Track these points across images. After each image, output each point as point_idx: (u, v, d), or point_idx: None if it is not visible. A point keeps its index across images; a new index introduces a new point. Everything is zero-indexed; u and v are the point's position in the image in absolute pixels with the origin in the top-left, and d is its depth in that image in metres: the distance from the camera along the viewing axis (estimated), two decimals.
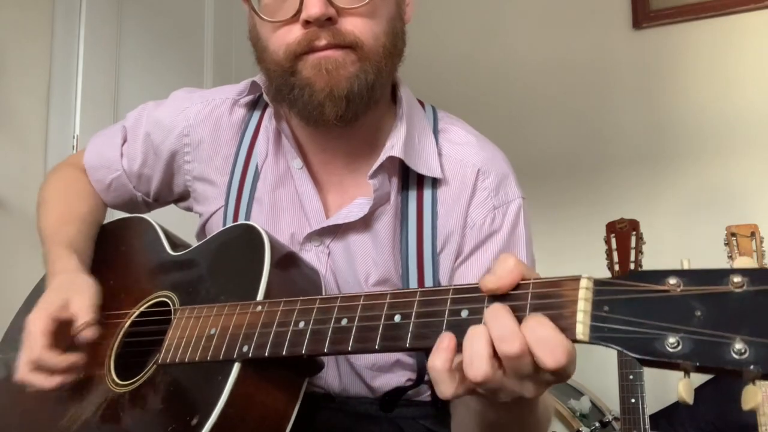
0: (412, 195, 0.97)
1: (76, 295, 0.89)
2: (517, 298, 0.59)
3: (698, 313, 0.49)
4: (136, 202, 1.16)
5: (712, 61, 2.46)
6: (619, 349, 0.51)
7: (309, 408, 0.94)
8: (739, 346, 0.47)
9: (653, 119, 2.51)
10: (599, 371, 2.16)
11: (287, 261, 0.87)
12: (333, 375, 0.98)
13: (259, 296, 0.78)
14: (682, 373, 0.51)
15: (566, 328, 0.55)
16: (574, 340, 0.55)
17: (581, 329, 0.54)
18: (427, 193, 0.97)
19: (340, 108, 0.87)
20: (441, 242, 0.96)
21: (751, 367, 0.46)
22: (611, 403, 2.01)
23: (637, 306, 0.52)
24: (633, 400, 1.76)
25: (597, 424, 1.96)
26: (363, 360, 0.97)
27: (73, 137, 1.94)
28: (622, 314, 0.52)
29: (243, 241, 0.88)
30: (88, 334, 0.87)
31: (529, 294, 0.58)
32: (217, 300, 0.82)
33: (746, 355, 0.47)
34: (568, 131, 2.61)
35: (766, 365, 0.46)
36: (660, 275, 0.52)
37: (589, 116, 2.59)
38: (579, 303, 0.55)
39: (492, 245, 0.96)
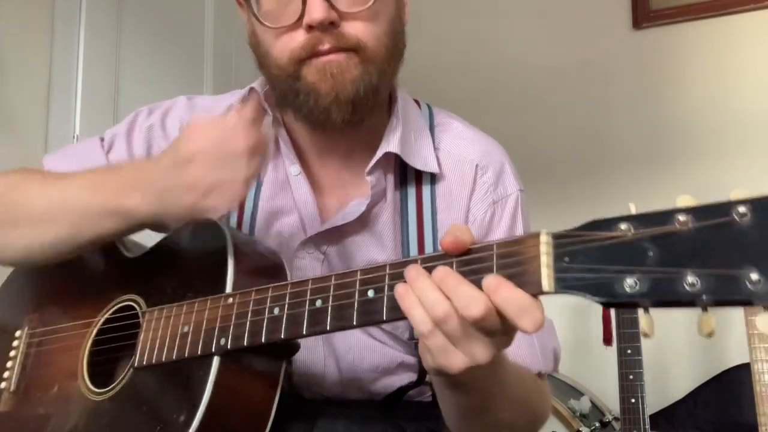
0: (411, 191, 0.98)
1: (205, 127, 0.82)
2: (483, 259, 0.61)
3: (650, 254, 0.52)
4: None
5: (711, 61, 2.44)
6: (583, 295, 0.54)
7: (310, 414, 0.94)
8: (690, 279, 0.50)
9: (653, 119, 2.50)
10: (599, 371, 2.15)
11: (249, 249, 0.86)
12: (334, 380, 0.97)
13: (228, 288, 0.78)
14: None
15: (533, 282, 0.57)
16: (542, 293, 0.57)
17: (547, 282, 0.56)
18: (426, 189, 0.97)
19: (346, 112, 0.87)
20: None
21: (703, 296, 0.50)
22: (611, 403, 2.00)
23: (594, 253, 0.55)
24: (633, 400, 1.76)
25: (597, 424, 1.94)
26: (366, 363, 0.96)
27: (73, 137, 1.93)
28: (581, 263, 0.55)
29: (201, 235, 0.87)
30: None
31: (494, 254, 0.60)
32: (185, 298, 0.82)
33: (698, 286, 0.50)
34: (568, 131, 2.60)
35: (717, 294, 0.49)
36: (611, 222, 0.55)
37: (589, 116, 2.57)
38: (542, 257, 0.57)
39: (492, 239, 0.96)
